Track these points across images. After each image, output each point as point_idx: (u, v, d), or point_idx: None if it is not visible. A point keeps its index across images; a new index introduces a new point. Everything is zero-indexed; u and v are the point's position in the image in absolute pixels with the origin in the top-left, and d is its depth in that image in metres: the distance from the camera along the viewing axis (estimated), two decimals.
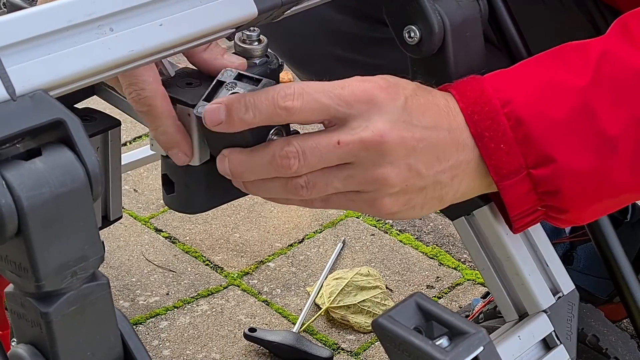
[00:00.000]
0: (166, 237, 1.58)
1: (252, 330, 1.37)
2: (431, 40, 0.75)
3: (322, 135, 0.66)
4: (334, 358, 1.36)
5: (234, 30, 0.70)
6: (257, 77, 0.70)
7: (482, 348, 0.61)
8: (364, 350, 1.39)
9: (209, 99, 0.69)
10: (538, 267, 0.80)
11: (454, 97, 0.70)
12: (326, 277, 1.47)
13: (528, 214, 0.72)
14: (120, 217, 0.92)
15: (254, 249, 1.56)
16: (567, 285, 0.81)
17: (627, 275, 0.88)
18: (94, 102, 0.95)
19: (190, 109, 0.71)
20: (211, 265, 1.53)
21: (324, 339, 1.40)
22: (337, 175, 0.67)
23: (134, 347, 0.56)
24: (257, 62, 0.75)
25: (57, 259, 0.53)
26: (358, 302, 1.42)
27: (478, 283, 1.54)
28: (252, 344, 1.37)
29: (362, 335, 1.41)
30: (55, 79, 0.57)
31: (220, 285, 1.49)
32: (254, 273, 1.51)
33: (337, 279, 1.46)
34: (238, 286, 1.49)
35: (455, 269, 1.55)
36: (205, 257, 1.55)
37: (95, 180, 0.54)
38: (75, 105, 0.90)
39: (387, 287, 1.49)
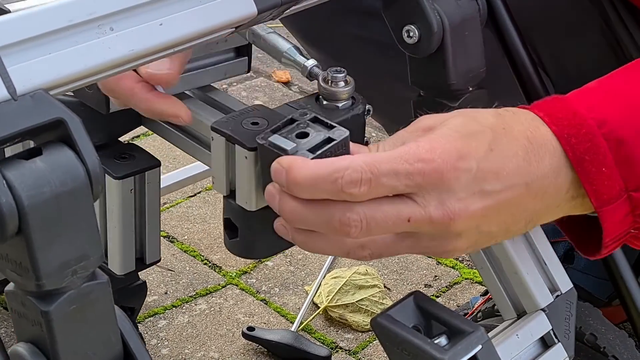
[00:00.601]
0: (164, 237, 1.58)
1: (251, 329, 1.37)
2: (430, 40, 0.75)
3: (389, 207, 0.61)
4: (332, 357, 1.36)
5: (233, 29, 0.70)
6: (331, 123, 0.65)
7: (480, 347, 0.61)
8: (362, 349, 1.39)
9: (276, 131, 0.65)
10: (536, 265, 0.80)
11: (541, 120, 0.66)
12: (324, 276, 1.47)
13: (620, 237, 0.69)
14: (158, 261, 0.87)
15: None
16: (565, 284, 0.81)
17: (626, 277, 0.88)
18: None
19: (247, 151, 0.67)
20: (209, 264, 1.53)
21: (322, 337, 1.40)
22: (400, 242, 0.63)
23: (134, 346, 0.56)
24: (340, 106, 0.70)
25: (58, 257, 0.53)
26: (356, 301, 1.42)
27: (476, 282, 1.55)
28: (250, 342, 1.37)
29: (360, 334, 1.41)
30: (55, 78, 0.57)
31: (219, 285, 1.49)
32: (252, 272, 1.51)
33: (335, 277, 1.46)
34: (236, 285, 1.49)
35: (453, 267, 1.55)
36: (203, 256, 1.55)
37: (96, 179, 0.55)
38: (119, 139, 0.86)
39: (385, 286, 1.49)
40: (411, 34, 0.76)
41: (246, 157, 0.68)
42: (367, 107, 0.71)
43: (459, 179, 0.61)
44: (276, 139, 0.64)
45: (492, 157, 0.63)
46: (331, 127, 0.64)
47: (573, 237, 0.73)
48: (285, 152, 0.63)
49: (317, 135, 0.64)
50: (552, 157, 0.64)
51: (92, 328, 0.55)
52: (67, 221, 0.54)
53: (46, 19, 0.57)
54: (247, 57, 0.84)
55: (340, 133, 0.63)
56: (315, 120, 0.65)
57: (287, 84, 2.09)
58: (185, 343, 1.38)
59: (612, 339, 0.99)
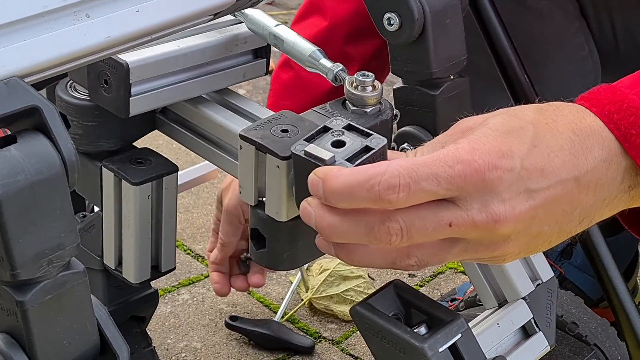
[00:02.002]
0: None
1: (234, 318, 1.36)
2: (411, 27, 0.75)
3: (430, 213, 0.59)
4: (316, 347, 1.36)
5: (212, 17, 0.70)
6: (367, 131, 0.62)
7: (460, 335, 0.61)
8: (346, 339, 1.39)
9: (310, 139, 0.62)
10: None
11: (585, 108, 0.63)
12: (308, 267, 1.47)
13: None
14: (173, 269, 0.84)
15: None
16: (546, 272, 0.81)
17: (615, 282, 0.88)
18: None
19: (280, 160, 0.66)
20: (192, 254, 1.53)
21: (305, 327, 1.40)
22: (447, 249, 0.60)
23: (110, 334, 0.56)
24: (368, 111, 0.69)
25: (33, 247, 0.53)
26: (341, 292, 1.42)
27: (460, 272, 1.55)
28: (233, 332, 1.37)
29: (344, 323, 1.41)
30: (30, 65, 0.56)
31: (202, 275, 1.49)
32: None
33: (320, 268, 1.46)
34: None
35: None
36: (186, 246, 1.54)
37: (72, 167, 0.54)
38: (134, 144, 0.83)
39: (369, 276, 1.49)
40: (392, 21, 0.75)
41: (278, 167, 0.66)
42: (394, 112, 0.69)
43: (502, 179, 0.58)
44: (313, 148, 0.61)
45: (536, 153, 0.60)
46: (367, 134, 0.62)
47: (636, 231, 0.71)
48: (323, 162, 0.60)
49: (353, 143, 0.61)
50: (601, 147, 0.62)
51: (68, 318, 0.55)
52: (42, 210, 0.53)
53: (20, 5, 0.56)
54: (265, 59, 0.82)
55: (378, 141, 0.61)
56: (349, 127, 0.63)
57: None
58: (167, 333, 1.37)
59: (594, 327, 0.99)
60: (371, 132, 0.62)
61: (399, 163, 0.58)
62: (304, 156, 0.61)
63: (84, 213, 1.00)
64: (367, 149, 0.62)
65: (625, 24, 1.11)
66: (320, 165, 0.60)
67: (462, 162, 0.58)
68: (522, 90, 0.95)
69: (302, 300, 1.42)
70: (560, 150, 0.61)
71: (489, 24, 0.92)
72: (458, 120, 0.67)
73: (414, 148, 0.79)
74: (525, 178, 0.59)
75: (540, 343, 0.77)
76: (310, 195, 0.60)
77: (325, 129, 0.63)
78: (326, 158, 0.60)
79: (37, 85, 0.58)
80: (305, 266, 1.46)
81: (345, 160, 0.61)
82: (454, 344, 0.61)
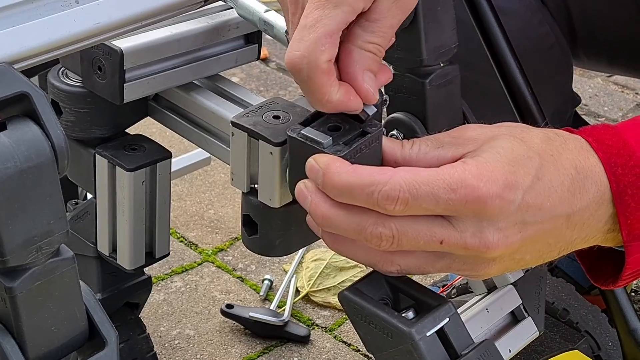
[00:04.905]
0: None
1: (230, 306, 1.37)
2: None
3: (423, 226, 0.59)
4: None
5: (203, 2, 0.70)
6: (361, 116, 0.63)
7: (447, 319, 0.61)
8: (339, 326, 1.39)
9: (306, 124, 0.62)
10: None
11: (591, 148, 0.64)
12: (303, 255, 1.47)
13: (637, 272, 0.67)
14: (167, 255, 0.84)
15: (228, 225, 1.55)
16: None
17: None
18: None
19: (273, 146, 0.66)
20: (185, 242, 1.53)
21: (298, 314, 1.40)
22: (431, 263, 0.61)
23: (98, 320, 0.56)
24: None
25: (22, 234, 0.53)
26: (338, 284, 1.42)
27: None
28: (226, 320, 1.37)
29: (337, 311, 1.41)
30: (19, 51, 0.56)
31: (195, 262, 1.49)
32: (228, 249, 1.51)
33: (315, 260, 1.46)
34: (212, 262, 1.49)
35: None
36: (179, 233, 1.55)
37: (62, 154, 0.54)
38: (126, 130, 0.82)
39: (366, 267, 1.49)
40: None
41: (271, 153, 0.66)
42: (384, 97, 0.68)
43: (502, 210, 0.59)
44: (309, 131, 0.61)
45: (538, 187, 0.61)
46: (361, 119, 0.62)
47: (586, 264, 0.72)
48: (320, 145, 0.60)
49: (350, 127, 0.62)
50: (597, 190, 0.63)
51: (57, 304, 0.55)
52: (31, 197, 0.53)
53: None
54: (257, 44, 0.82)
55: (374, 125, 0.62)
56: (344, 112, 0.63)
57: (265, 60, 2.08)
58: (160, 321, 1.38)
59: (585, 314, 0.99)
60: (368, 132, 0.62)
61: (403, 176, 0.58)
62: (300, 139, 0.61)
63: (76, 200, 1.01)
64: (363, 133, 0.62)
65: (581, 9, 1.12)
66: (317, 149, 0.60)
67: (467, 187, 0.58)
68: (527, 108, 0.96)
69: (299, 293, 1.42)
70: (561, 186, 0.62)
71: (489, 28, 0.93)
72: (448, 109, 0.67)
73: (404, 135, 0.79)
74: (523, 211, 0.60)
75: (529, 328, 0.77)
76: (306, 177, 0.61)
77: (320, 113, 0.63)
78: (323, 141, 0.61)
79: (28, 72, 0.58)
80: (300, 251, 1.46)
81: (343, 144, 0.61)
82: (441, 329, 0.61)
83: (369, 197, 0.58)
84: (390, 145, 0.63)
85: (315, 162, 0.60)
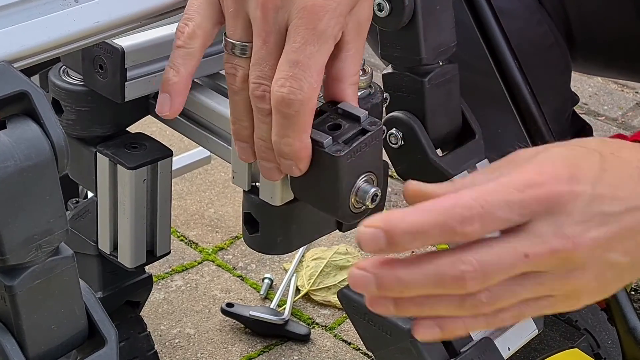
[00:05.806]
0: None
1: (230, 305, 1.37)
2: (401, 13, 0.75)
3: (503, 247, 0.55)
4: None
5: None
6: (362, 112, 0.63)
7: None
8: (339, 325, 1.39)
9: None
10: None
11: None
12: (303, 254, 1.47)
13: None
14: (168, 253, 0.84)
15: (229, 224, 1.56)
16: None
17: None
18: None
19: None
20: (186, 240, 1.53)
21: (298, 313, 1.40)
22: (524, 285, 0.56)
23: (98, 318, 0.56)
24: (359, 94, 0.68)
25: (22, 232, 0.53)
26: (338, 282, 1.42)
27: None
28: (227, 319, 1.37)
29: (337, 310, 1.41)
30: (19, 50, 0.57)
31: (195, 261, 1.49)
32: (228, 248, 1.51)
33: (315, 259, 1.46)
34: (213, 261, 1.49)
35: None
36: (179, 232, 1.55)
37: (61, 153, 0.54)
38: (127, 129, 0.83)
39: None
40: (382, 7, 0.76)
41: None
42: (384, 95, 0.69)
43: (576, 202, 0.56)
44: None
45: (606, 177, 0.58)
46: (360, 118, 0.62)
47: None
48: (321, 145, 0.60)
49: (350, 126, 0.62)
50: None
51: (56, 302, 0.55)
52: (31, 196, 0.53)
53: None
54: None
55: (373, 123, 0.61)
56: (344, 110, 0.63)
57: None
58: (161, 319, 1.38)
59: (585, 312, 0.99)
60: (365, 111, 0.62)
61: (469, 194, 0.55)
62: None
63: (77, 199, 1.01)
64: (363, 131, 0.62)
65: (579, 11, 1.13)
66: (317, 148, 0.60)
67: (532, 185, 0.55)
68: (526, 107, 0.96)
69: (300, 292, 1.42)
70: (630, 179, 0.59)
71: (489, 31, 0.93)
72: (447, 108, 0.67)
73: (403, 134, 0.79)
74: (598, 201, 0.57)
75: (528, 327, 0.77)
76: (310, 176, 0.60)
77: (321, 112, 0.63)
78: (324, 141, 0.61)
79: (28, 71, 0.58)
80: (300, 250, 1.47)
81: (343, 142, 0.61)
82: None
83: (444, 227, 0.54)
84: (441, 185, 0.59)
85: (371, 226, 0.54)
